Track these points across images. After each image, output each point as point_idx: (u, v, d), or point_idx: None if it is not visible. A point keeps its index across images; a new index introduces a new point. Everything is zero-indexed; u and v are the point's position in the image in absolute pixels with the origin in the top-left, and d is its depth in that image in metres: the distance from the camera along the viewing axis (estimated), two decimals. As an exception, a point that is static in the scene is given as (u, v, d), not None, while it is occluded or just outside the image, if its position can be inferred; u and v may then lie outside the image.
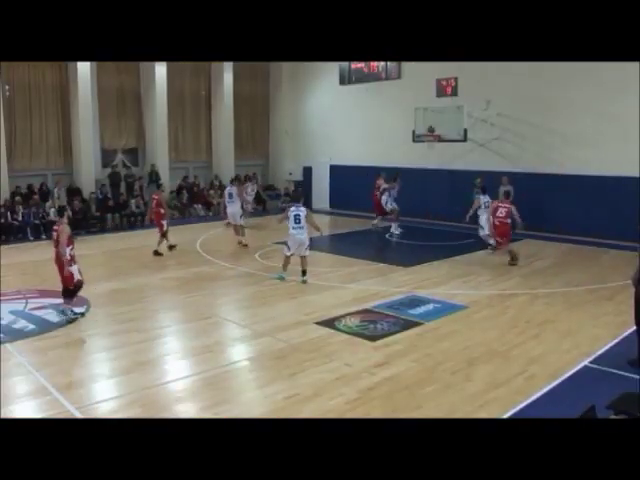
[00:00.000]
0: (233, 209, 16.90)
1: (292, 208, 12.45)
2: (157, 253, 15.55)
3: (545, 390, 7.02)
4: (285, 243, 12.67)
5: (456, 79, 20.50)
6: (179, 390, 7.29)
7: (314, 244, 16.09)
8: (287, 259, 12.47)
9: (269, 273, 13.13)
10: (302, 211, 12.31)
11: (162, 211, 15.84)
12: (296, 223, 12.17)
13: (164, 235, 15.74)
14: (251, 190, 20.18)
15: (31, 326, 9.54)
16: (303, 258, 12.35)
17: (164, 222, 15.80)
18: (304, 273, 12.34)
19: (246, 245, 16.43)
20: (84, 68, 21.19)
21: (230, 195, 17.01)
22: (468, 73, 19.83)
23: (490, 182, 19.52)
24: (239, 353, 8.78)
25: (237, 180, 18.89)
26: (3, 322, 9.43)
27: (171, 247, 15.89)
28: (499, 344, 8.68)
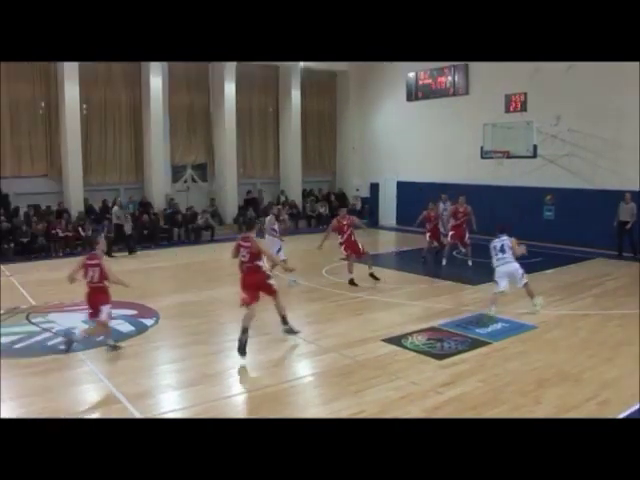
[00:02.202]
0: None
1: (495, 240, 11.17)
2: None
3: (620, 417, 6.73)
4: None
5: (525, 94, 20.21)
6: (244, 403, 7.34)
7: (379, 261, 15.96)
8: (494, 296, 11.06)
9: (355, 292, 13.13)
10: (505, 240, 11.08)
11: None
12: (501, 253, 10.99)
13: None
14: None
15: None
16: (527, 287, 11.22)
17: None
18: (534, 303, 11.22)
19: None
20: (156, 87, 21.89)
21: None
22: (537, 88, 19.53)
23: (560, 199, 19.21)
24: (304, 368, 8.79)
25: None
26: (76, 332, 9.69)
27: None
28: (570, 366, 8.41)
